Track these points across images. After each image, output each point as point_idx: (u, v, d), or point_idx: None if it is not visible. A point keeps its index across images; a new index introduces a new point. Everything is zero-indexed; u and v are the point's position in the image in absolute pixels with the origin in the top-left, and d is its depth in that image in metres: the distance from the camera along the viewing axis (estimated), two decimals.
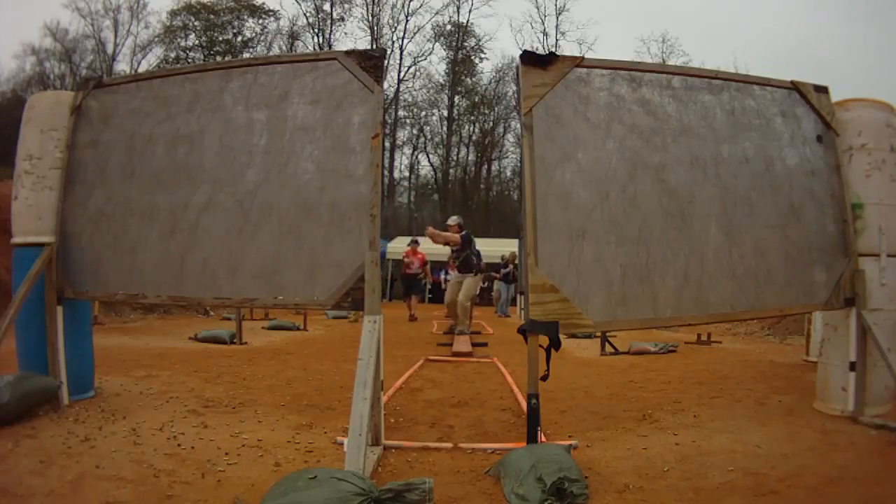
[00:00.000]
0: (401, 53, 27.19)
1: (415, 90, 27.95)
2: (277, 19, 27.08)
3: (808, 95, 3.05)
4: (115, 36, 25.06)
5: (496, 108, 28.09)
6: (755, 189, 2.89)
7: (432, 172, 28.61)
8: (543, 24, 27.54)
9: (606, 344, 5.65)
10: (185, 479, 2.06)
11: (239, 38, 26.78)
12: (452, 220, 7.40)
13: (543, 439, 2.50)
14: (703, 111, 2.89)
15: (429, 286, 14.29)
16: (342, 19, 27.34)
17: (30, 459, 2.13)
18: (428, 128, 28.30)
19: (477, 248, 7.47)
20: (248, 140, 2.84)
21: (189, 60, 24.78)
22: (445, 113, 28.03)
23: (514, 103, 25.51)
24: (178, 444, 2.41)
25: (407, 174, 28.56)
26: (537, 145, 2.60)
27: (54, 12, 36.37)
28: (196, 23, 26.34)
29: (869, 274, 2.93)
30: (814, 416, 2.96)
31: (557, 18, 27.30)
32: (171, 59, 25.16)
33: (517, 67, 2.76)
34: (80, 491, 1.91)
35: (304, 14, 27.43)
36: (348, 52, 2.81)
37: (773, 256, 2.86)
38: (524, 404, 2.73)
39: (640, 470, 2.24)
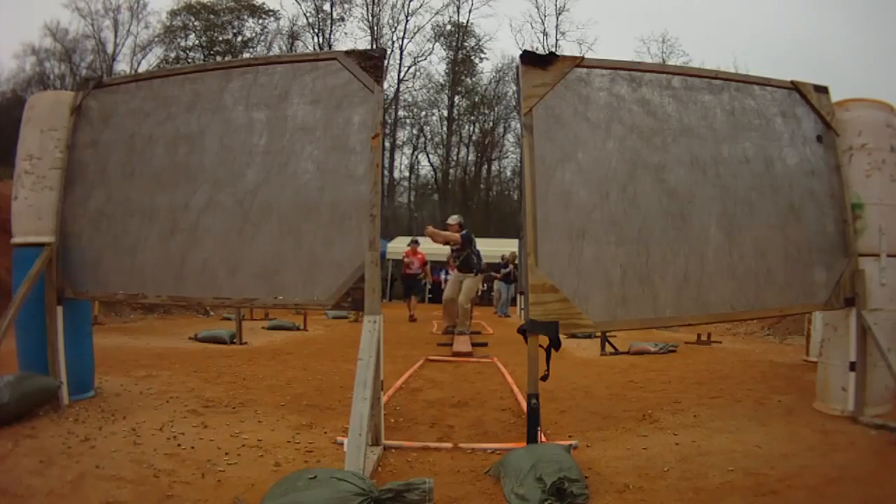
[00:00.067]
0: (401, 53, 27.24)
1: (415, 90, 28.02)
2: (277, 19, 27.15)
3: (808, 95, 3.05)
4: (115, 36, 25.11)
5: (496, 108, 28.14)
6: (755, 189, 2.89)
7: (432, 172, 28.66)
8: (543, 24, 27.59)
9: (606, 344, 5.65)
10: (185, 479, 2.06)
11: (239, 38, 26.81)
12: (453, 219, 7.30)
13: (543, 439, 2.50)
14: (703, 111, 2.89)
15: (429, 286, 14.29)
16: (342, 19, 27.41)
17: (30, 459, 2.13)
18: (428, 128, 28.36)
19: (477, 248, 7.38)
20: (248, 140, 2.84)
21: (189, 60, 24.79)
22: (445, 113, 28.07)
23: (514, 103, 25.52)
24: (178, 444, 2.41)
25: (407, 174, 28.61)
26: (537, 145, 2.60)
27: (54, 12, 36.42)
28: (196, 23, 26.36)
29: (869, 274, 2.93)
30: (814, 416, 2.96)
31: (557, 18, 27.37)
32: (171, 59, 25.17)
33: (517, 67, 2.76)
34: (80, 491, 1.91)
35: (304, 14, 27.48)
36: (348, 52, 2.81)
37: (773, 256, 2.86)
38: (524, 404, 2.73)
39: (640, 470, 2.24)
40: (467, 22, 28.03)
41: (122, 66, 24.73)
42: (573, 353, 5.64)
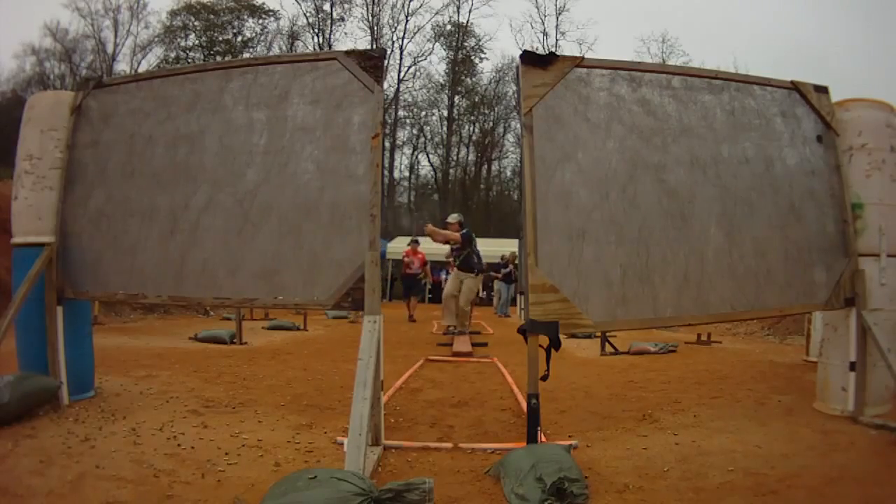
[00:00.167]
0: (401, 53, 27.25)
1: (415, 90, 28.03)
2: (277, 19, 27.16)
3: (808, 95, 3.05)
4: (115, 36, 25.12)
5: (496, 108, 28.15)
6: (755, 189, 2.89)
7: (432, 172, 28.66)
8: (543, 24, 27.60)
9: (606, 344, 5.65)
10: (185, 479, 2.06)
11: (239, 38, 26.82)
12: (453, 217, 7.16)
13: (543, 439, 2.50)
14: (703, 111, 2.89)
15: (429, 286, 14.28)
16: (342, 19, 27.41)
17: (30, 459, 2.13)
18: (428, 128, 28.37)
19: (477, 248, 7.24)
20: (248, 140, 2.84)
21: (189, 60, 24.79)
22: (445, 113, 28.08)
23: (514, 103, 25.53)
24: (178, 444, 2.41)
25: (407, 174, 28.62)
26: (537, 145, 2.60)
27: (54, 12, 36.40)
28: (196, 23, 26.37)
29: (869, 274, 2.93)
30: (814, 416, 2.96)
31: (557, 18, 27.38)
32: (171, 59, 25.18)
33: (517, 67, 2.76)
34: (80, 491, 1.91)
35: (304, 14, 27.49)
36: (348, 52, 2.81)
37: (773, 256, 2.86)
38: (524, 404, 2.73)
39: (640, 470, 2.24)
40: (467, 22, 28.09)
41: (122, 66, 24.77)
42: (573, 353, 5.64)
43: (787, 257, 2.89)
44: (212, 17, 26.42)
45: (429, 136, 28.39)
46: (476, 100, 28.00)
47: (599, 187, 2.68)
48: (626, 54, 26.60)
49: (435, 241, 7.10)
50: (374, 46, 23.04)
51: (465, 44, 28.06)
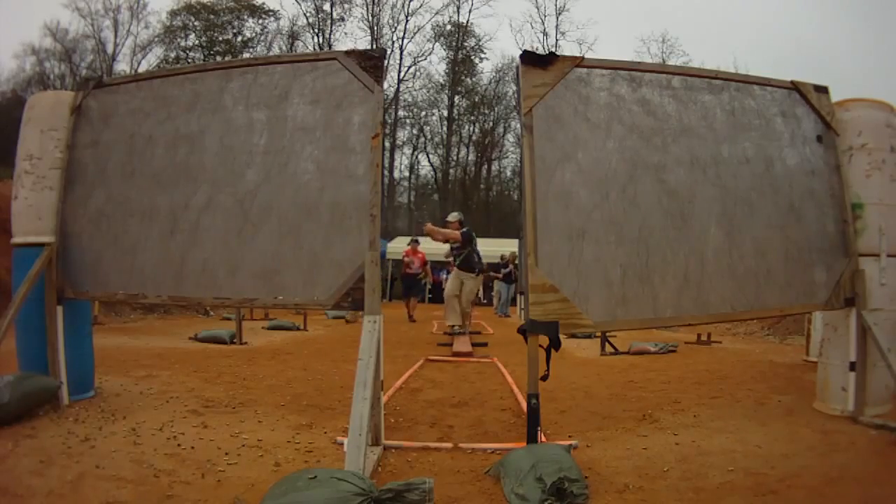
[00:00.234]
0: (401, 53, 27.24)
1: (415, 90, 28.02)
2: (277, 19, 27.15)
3: (808, 95, 3.05)
4: (115, 36, 25.11)
5: (496, 108, 28.15)
6: (755, 189, 2.89)
7: (432, 172, 28.66)
8: (543, 24, 27.60)
9: (606, 344, 5.65)
10: (185, 479, 2.06)
11: (239, 38, 26.81)
12: (453, 216, 7.03)
13: (543, 439, 2.50)
14: (703, 111, 2.89)
15: (429, 286, 14.28)
16: (342, 19, 27.40)
17: (30, 459, 2.13)
18: (428, 128, 28.37)
19: (477, 247, 7.11)
20: (248, 140, 2.84)
21: (189, 60, 24.79)
22: (445, 113, 28.08)
23: (514, 103, 25.52)
24: (178, 444, 2.41)
25: (407, 174, 28.62)
26: (537, 145, 2.60)
27: (54, 12, 36.41)
28: (196, 23, 26.36)
29: (869, 274, 2.93)
30: (814, 416, 2.96)
31: (557, 18, 27.37)
32: (171, 59, 25.17)
33: (517, 67, 2.76)
34: (80, 491, 1.91)
35: (304, 14, 27.48)
36: (348, 52, 2.81)
37: (773, 256, 2.86)
38: (524, 404, 2.73)
39: (640, 470, 2.24)
40: (467, 22, 28.08)
41: (122, 66, 24.77)
42: (573, 353, 5.64)
43: (787, 257, 2.89)
44: (212, 17, 26.42)
45: (429, 136, 28.42)
46: (476, 100, 27.99)
47: (599, 187, 2.68)
48: (626, 54, 26.64)
49: (434, 240, 6.98)
50: (374, 46, 23.04)
51: (465, 44, 28.08)
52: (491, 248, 13.95)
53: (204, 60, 23.27)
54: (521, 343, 2.49)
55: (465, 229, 6.85)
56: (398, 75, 27.03)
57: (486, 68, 34.51)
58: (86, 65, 24.46)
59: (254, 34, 27.03)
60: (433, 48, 28.24)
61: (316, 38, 26.92)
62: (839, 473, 2.15)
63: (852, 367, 2.87)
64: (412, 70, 27.72)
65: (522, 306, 10.15)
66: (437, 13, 27.93)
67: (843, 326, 2.96)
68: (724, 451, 2.43)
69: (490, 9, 46.22)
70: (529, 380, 2.42)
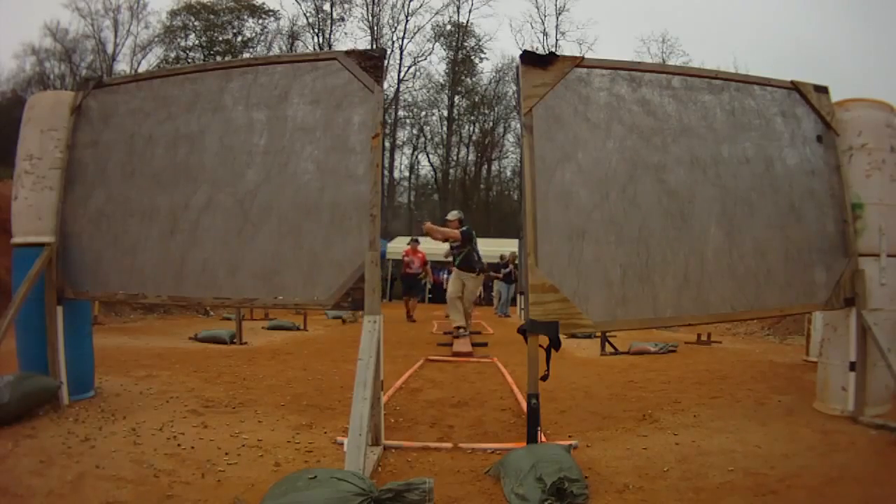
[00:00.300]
0: (401, 53, 27.24)
1: (415, 90, 28.03)
2: (277, 19, 27.15)
3: (808, 95, 3.05)
4: (115, 36, 25.11)
5: (496, 108, 28.15)
6: (755, 189, 2.89)
7: (432, 172, 28.66)
8: (543, 24, 27.60)
9: (606, 344, 5.65)
10: (185, 479, 2.06)
11: (239, 38, 26.81)
12: (452, 214, 6.86)
13: (543, 439, 2.50)
14: (703, 111, 2.89)
15: (429, 286, 14.28)
16: (342, 19, 27.40)
17: (30, 459, 2.13)
18: (428, 128, 28.37)
19: (477, 246, 6.90)
20: (248, 140, 2.84)
21: (189, 60, 24.78)
22: (445, 113, 28.08)
23: (514, 103, 25.52)
24: (178, 444, 2.41)
25: (407, 174, 28.62)
26: (537, 145, 2.60)
27: (54, 12, 36.39)
28: (196, 23, 26.36)
29: (869, 274, 2.93)
30: (814, 416, 2.96)
31: (557, 18, 27.37)
32: (171, 59, 25.17)
33: (517, 67, 2.76)
34: (80, 491, 1.91)
35: (304, 14, 27.49)
36: (348, 52, 2.81)
37: (773, 256, 2.86)
38: (524, 404, 2.73)
39: (640, 470, 2.24)
40: (467, 22, 28.08)
41: (122, 66, 24.76)
42: (573, 353, 5.64)
43: (787, 257, 2.89)
44: (212, 17, 26.41)
45: (429, 136, 28.42)
46: (476, 100, 28.00)
47: (599, 187, 2.68)
48: (626, 54, 26.64)
49: (434, 238, 6.82)
50: (374, 46, 23.05)
51: (465, 44, 28.08)
52: (491, 248, 13.94)
53: (204, 60, 23.27)
54: (521, 343, 2.49)
55: (464, 228, 6.68)
56: (398, 75, 27.07)
57: (486, 68, 34.59)
58: (86, 65, 24.49)
59: (254, 34, 27.07)
60: (433, 48, 28.29)
61: (316, 38, 26.95)
62: (839, 473, 2.15)
63: (852, 367, 2.87)
64: (412, 70, 27.77)
65: (522, 306, 10.15)
66: (437, 13, 27.99)
67: (843, 326, 2.96)
68: (724, 451, 2.43)
69: (490, 9, 46.32)
70: (529, 380, 2.42)
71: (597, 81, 2.76)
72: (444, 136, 28.15)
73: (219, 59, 22.51)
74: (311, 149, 2.77)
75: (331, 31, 27.10)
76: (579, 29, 37.38)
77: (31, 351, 2.93)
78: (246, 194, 2.79)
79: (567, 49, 25.74)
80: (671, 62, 23.59)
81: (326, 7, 27.11)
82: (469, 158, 28.67)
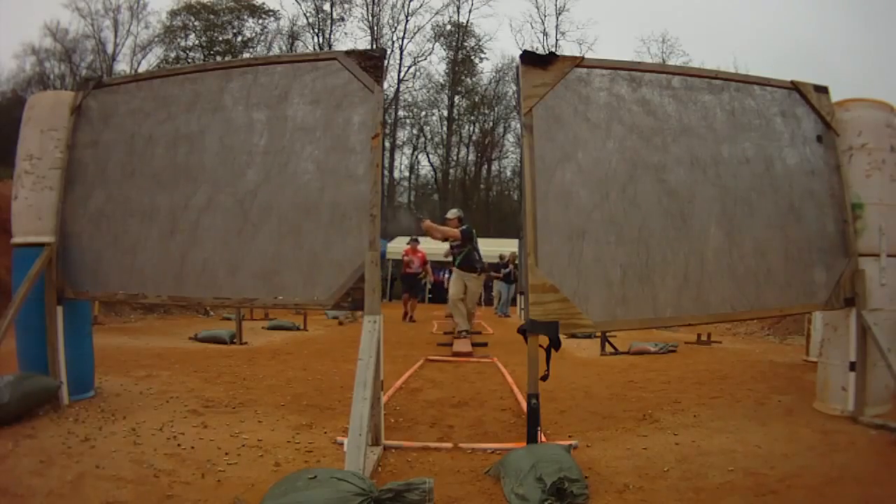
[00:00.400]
0: (401, 53, 27.24)
1: (415, 90, 28.03)
2: (277, 19, 27.15)
3: (808, 95, 3.05)
4: (115, 36, 25.11)
5: (496, 108, 28.15)
6: (755, 189, 2.89)
7: (432, 172, 28.67)
8: (543, 24, 27.60)
9: (606, 344, 5.65)
10: (185, 479, 2.06)
11: (239, 38, 26.80)
12: (452, 213, 6.73)
13: (543, 439, 2.50)
14: (703, 111, 2.89)
15: (429, 286, 14.27)
16: (342, 19, 27.40)
17: (30, 459, 2.13)
18: (428, 128, 28.38)
19: (478, 246, 6.77)
20: (248, 140, 2.84)
21: (189, 60, 24.78)
22: (445, 113, 28.09)
23: (514, 103, 25.52)
24: (178, 444, 2.41)
25: (407, 174, 28.62)
26: (537, 145, 2.60)
27: (54, 12, 36.41)
28: (196, 23, 26.36)
29: (869, 274, 2.93)
30: (814, 416, 2.96)
31: (557, 18, 27.38)
32: (171, 59, 25.17)
33: (517, 67, 2.76)
34: (80, 491, 1.91)
35: (304, 14, 27.49)
36: (348, 52, 2.81)
37: (773, 256, 2.86)
38: (524, 404, 2.73)
39: (640, 470, 2.24)
40: (467, 22, 28.08)
41: (122, 66, 24.76)
42: (573, 353, 5.64)
43: (787, 257, 2.89)
44: (212, 17, 26.41)
45: (429, 136, 28.43)
46: (476, 100, 28.00)
47: (599, 187, 2.68)
48: (627, 54, 26.64)
49: (433, 237, 6.66)
50: (374, 46, 23.05)
51: (465, 44, 28.09)
52: (491, 248, 13.91)
53: (204, 60, 23.26)
54: (521, 343, 2.49)
55: (464, 226, 6.54)
56: (398, 75, 27.07)
57: (486, 68, 34.58)
58: (86, 65, 24.48)
59: (254, 34, 27.07)
60: (433, 48, 28.31)
61: (316, 38, 26.95)
62: (839, 473, 2.15)
63: (852, 367, 2.87)
64: (412, 70, 27.77)
65: (522, 306, 10.15)
66: (437, 13, 28.00)
67: (843, 326, 2.96)
68: (724, 451, 2.43)
69: (490, 9, 46.40)
70: (529, 380, 2.42)
71: (597, 81, 2.76)
72: (444, 136, 28.17)
73: (219, 59, 22.51)
74: (311, 149, 2.77)
75: (331, 31, 27.14)
76: (579, 29, 37.51)
77: (31, 351, 2.93)
78: (246, 194, 2.79)
79: (567, 49, 25.78)
80: (671, 62, 23.59)
81: (326, 7, 27.15)
82: (469, 158, 28.69)
